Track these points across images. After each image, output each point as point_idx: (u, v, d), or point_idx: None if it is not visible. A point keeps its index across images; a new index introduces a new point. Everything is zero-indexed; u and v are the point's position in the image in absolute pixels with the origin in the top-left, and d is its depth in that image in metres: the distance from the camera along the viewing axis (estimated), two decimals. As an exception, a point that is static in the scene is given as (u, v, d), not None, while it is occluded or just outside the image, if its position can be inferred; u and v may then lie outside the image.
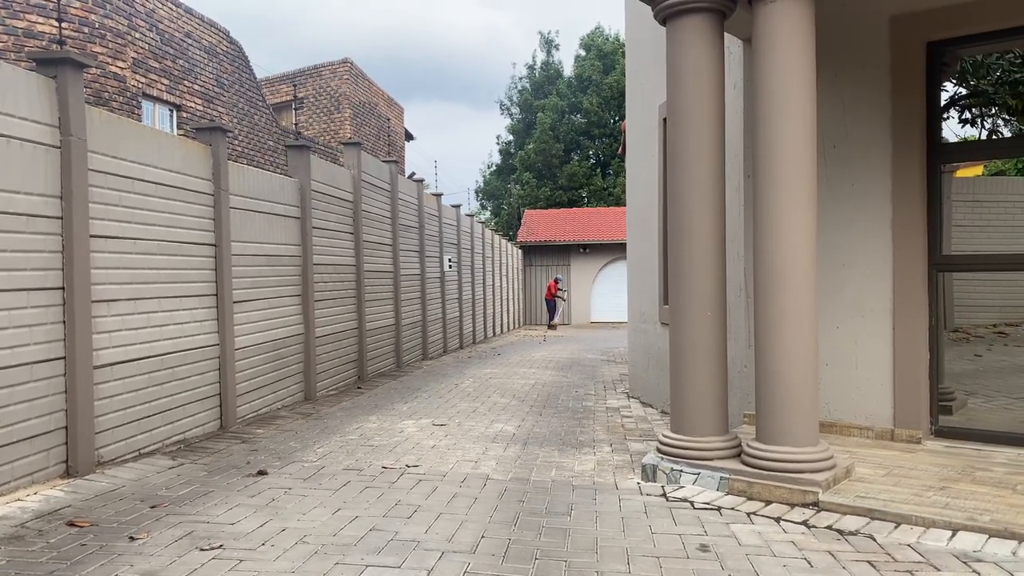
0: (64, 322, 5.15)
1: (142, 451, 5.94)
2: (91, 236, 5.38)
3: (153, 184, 6.15)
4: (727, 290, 6.53)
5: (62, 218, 5.15)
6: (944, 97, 7.38)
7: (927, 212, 5.91)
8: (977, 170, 8.88)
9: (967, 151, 6.83)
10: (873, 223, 6.06)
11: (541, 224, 33.29)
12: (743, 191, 6.60)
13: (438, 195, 15.80)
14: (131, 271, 5.86)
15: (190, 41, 14.90)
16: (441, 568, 3.65)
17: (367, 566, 3.66)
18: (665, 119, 7.62)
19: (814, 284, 4.90)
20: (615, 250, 29.72)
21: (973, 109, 8.44)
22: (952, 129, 7.72)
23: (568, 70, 46.69)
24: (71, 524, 4.22)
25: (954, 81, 7.81)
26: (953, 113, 8.21)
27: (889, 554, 3.87)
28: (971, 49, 6.27)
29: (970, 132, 8.11)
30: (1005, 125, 8.40)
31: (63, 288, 5.14)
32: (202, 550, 3.84)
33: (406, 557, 3.78)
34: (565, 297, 29.59)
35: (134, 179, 5.92)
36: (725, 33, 5.94)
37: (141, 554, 3.78)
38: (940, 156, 5.99)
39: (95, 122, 5.50)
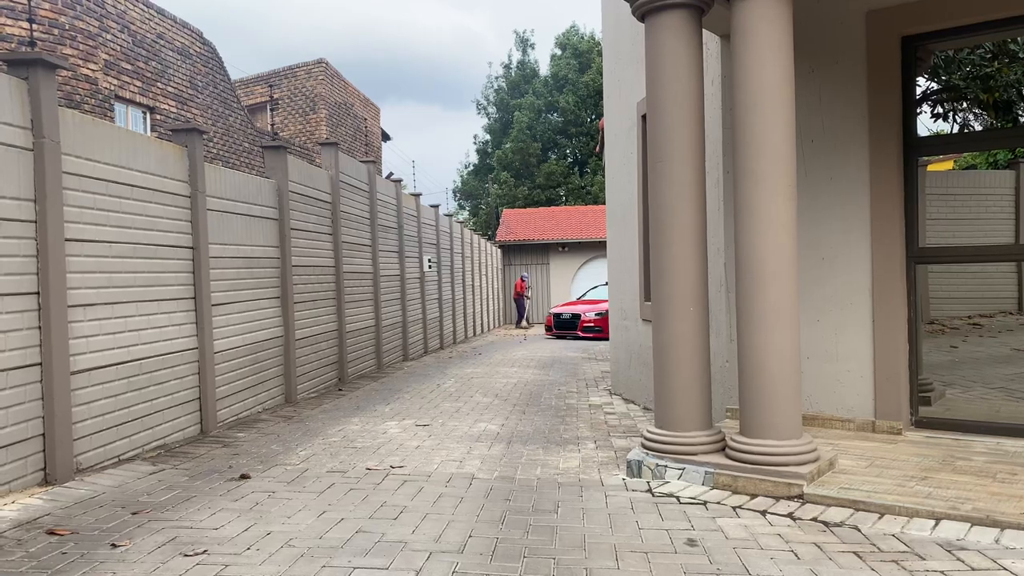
0: (40, 327, 5.05)
1: (122, 457, 5.85)
2: (66, 240, 5.29)
3: (129, 186, 6.06)
4: (708, 285, 6.58)
5: (36, 222, 5.06)
6: (917, 92, 7.46)
7: (904, 205, 5.97)
8: (948, 164, 8.99)
9: (943, 144, 6.91)
10: (851, 217, 6.10)
11: (520, 223, 33.28)
12: (723, 186, 6.63)
13: (416, 195, 15.74)
14: (108, 275, 5.77)
15: (163, 42, 14.74)
16: (429, 568, 3.63)
17: (354, 568, 3.63)
18: (644, 116, 7.65)
19: (795, 278, 4.92)
20: (594, 248, 29.81)
21: (945, 103, 8.55)
22: (925, 124, 7.82)
23: (544, 69, 46.78)
24: (51, 532, 4.14)
25: (927, 76, 7.90)
26: (926, 108, 8.31)
27: (874, 544, 3.90)
28: (944, 43, 6.35)
29: (943, 127, 8.22)
30: (976, 119, 8.52)
31: (38, 293, 5.05)
32: (186, 556, 3.78)
33: (394, 558, 3.75)
34: (531, 295, 29.61)
35: (109, 181, 5.83)
36: (703, 29, 5.98)
37: (124, 561, 3.72)
38: (916, 149, 6.05)
39: (69, 124, 5.41)
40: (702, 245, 5.30)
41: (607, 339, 19.00)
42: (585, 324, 20.90)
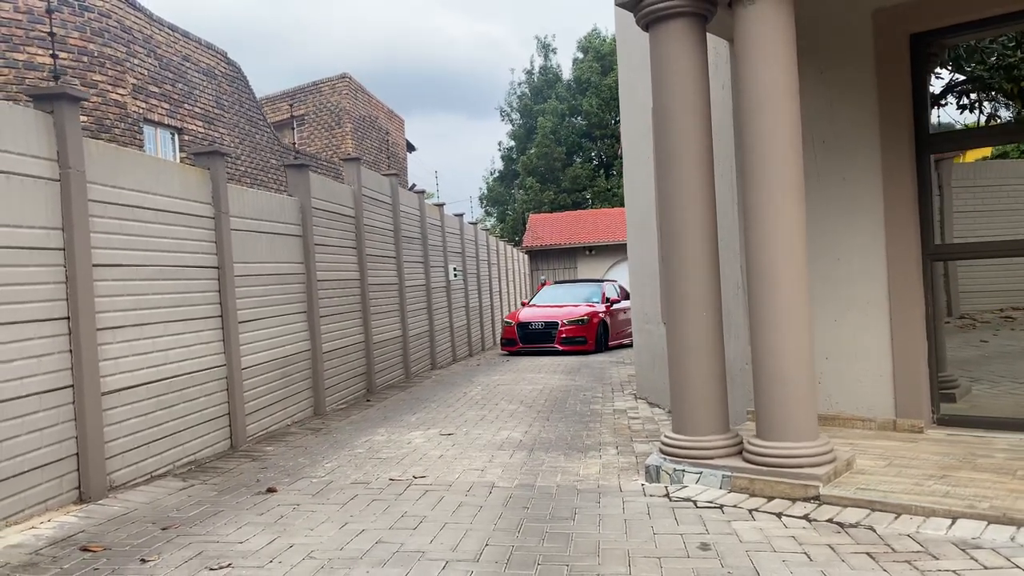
0: (71, 351, 5.24)
1: (153, 474, 6.03)
2: (93, 265, 5.48)
3: (153, 211, 6.25)
4: (726, 288, 6.59)
5: (64, 249, 5.25)
6: (940, 84, 7.38)
7: (918, 203, 5.95)
8: (985, 151, 8.83)
9: (955, 140, 6.86)
10: (865, 216, 6.10)
11: (546, 228, 33.36)
12: (736, 189, 6.65)
13: (440, 205, 15.89)
14: (135, 297, 5.96)
15: (188, 64, 15.08)
16: (445, 577, 3.72)
17: (372, 578, 3.74)
18: (656, 121, 7.70)
19: (805, 279, 4.95)
20: (621, 251, 29.63)
21: (972, 95, 8.45)
22: (951, 115, 7.74)
23: (567, 73, 46.82)
24: (84, 549, 4.30)
25: (950, 67, 7.83)
26: (951, 99, 8.21)
27: (888, 545, 3.91)
28: (954, 39, 6.32)
29: (970, 118, 8.12)
30: (1006, 109, 8.42)
31: (68, 318, 5.24)
32: (211, 569, 3.92)
33: (410, 568, 3.85)
34: None
35: (134, 207, 6.02)
36: (714, 35, 6.03)
37: (152, 576, 3.87)
38: (929, 147, 6.03)
39: (93, 153, 5.60)
40: (713, 250, 5.34)
41: (592, 350, 16.38)
42: (564, 334, 16.68)
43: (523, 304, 19.58)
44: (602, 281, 20.50)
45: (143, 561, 4.08)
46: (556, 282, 23.20)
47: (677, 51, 5.25)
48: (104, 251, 5.65)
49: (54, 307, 5.16)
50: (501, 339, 17.77)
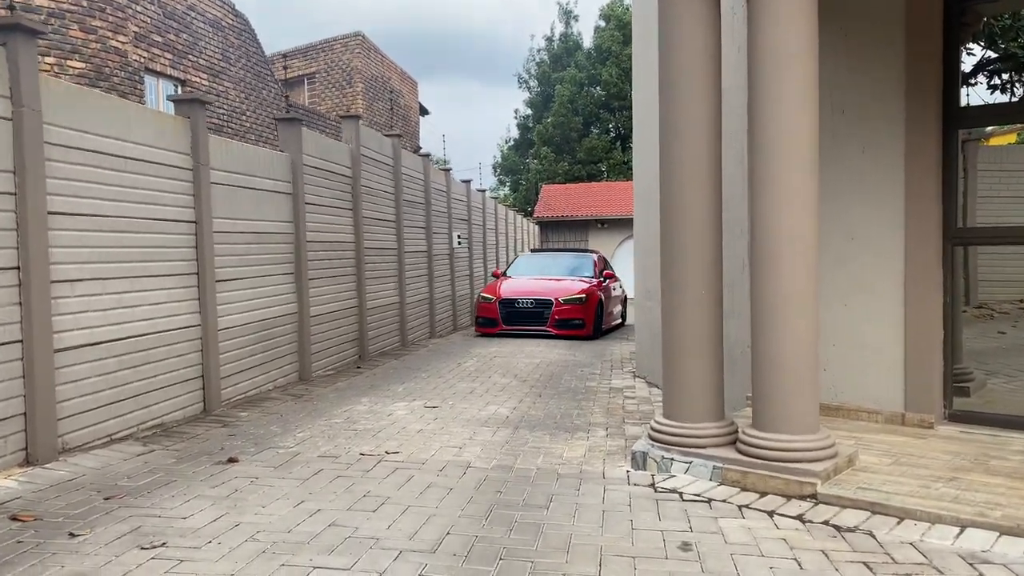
0: (20, 303, 4.89)
1: (114, 436, 5.71)
2: (49, 213, 5.10)
3: (122, 158, 5.86)
4: (733, 267, 6.18)
5: (16, 194, 4.87)
6: (972, 61, 6.90)
7: (942, 182, 5.49)
8: (1011, 137, 8.38)
9: (988, 115, 6.37)
10: (884, 194, 5.65)
11: (559, 199, 32.83)
12: (747, 162, 6.20)
13: (447, 170, 15.46)
14: (98, 250, 5.60)
15: (194, 14, 14.61)
16: (394, 570, 3.37)
17: (314, 567, 3.39)
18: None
19: (815, 260, 4.53)
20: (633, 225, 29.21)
21: (1004, 74, 7.99)
22: (981, 95, 7.29)
23: (587, 41, 45.83)
24: (14, 519, 3.97)
25: (983, 44, 7.37)
26: (982, 79, 7.76)
27: (888, 554, 3.55)
28: (991, 6, 5.81)
29: (1002, 99, 7.66)
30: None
31: (18, 268, 4.88)
32: (143, 548, 3.58)
33: (359, 557, 3.51)
34: None
35: (100, 152, 5.63)
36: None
37: (77, 553, 3.53)
38: (958, 121, 5.55)
39: (53, 92, 5.20)
40: (716, 226, 4.94)
41: (589, 336, 13.66)
42: (559, 316, 13.76)
43: (496, 275, 16.36)
44: (589, 251, 17.77)
45: (72, 535, 3.74)
46: (532, 250, 20.41)
47: (687, 12, 4.81)
48: (63, 198, 5.27)
49: (2, 256, 4.79)
50: (476, 318, 14.57)
